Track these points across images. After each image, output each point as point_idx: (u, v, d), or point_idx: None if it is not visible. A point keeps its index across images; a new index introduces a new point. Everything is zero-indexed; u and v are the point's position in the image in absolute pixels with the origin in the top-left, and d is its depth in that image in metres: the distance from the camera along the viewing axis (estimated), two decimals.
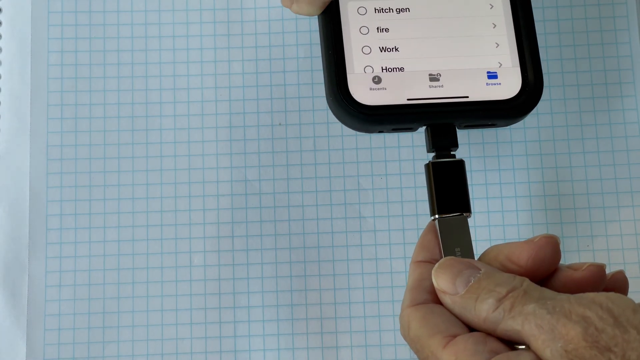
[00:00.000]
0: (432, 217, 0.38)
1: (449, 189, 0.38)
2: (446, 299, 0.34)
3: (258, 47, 0.48)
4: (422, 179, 0.46)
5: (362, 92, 0.40)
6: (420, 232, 0.45)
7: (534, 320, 0.31)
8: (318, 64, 0.47)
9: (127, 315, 0.45)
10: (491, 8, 0.41)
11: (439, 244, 0.38)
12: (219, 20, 0.48)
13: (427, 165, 0.39)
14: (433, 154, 0.40)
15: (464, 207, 0.38)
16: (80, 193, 0.46)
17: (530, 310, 0.32)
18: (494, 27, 0.41)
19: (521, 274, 0.34)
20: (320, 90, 0.47)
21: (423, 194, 0.46)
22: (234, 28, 0.48)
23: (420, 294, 0.36)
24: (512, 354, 0.32)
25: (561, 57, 0.48)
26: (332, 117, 0.47)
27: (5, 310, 0.45)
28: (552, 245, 0.35)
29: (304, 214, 0.46)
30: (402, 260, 0.46)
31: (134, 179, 0.47)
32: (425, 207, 0.46)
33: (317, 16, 0.41)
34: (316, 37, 0.48)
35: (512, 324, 0.32)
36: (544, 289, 0.33)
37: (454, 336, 0.33)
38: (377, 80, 0.40)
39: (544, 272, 0.35)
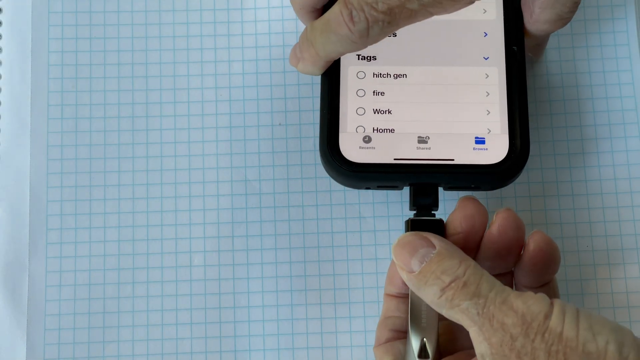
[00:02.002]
0: None
1: None
2: (403, 275, 0.38)
3: (258, 47, 0.48)
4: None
5: (352, 150, 0.41)
6: None
7: (467, 318, 0.35)
8: None
9: (127, 315, 0.45)
10: (486, 77, 0.43)
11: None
12: (219, 21, 0.48)
13: (406, 222, 0.40)
14: (414, 212, 0.41)
15: None
16: (81, 193, 0.46)
17: (464, 307, 0.35)
18: (487, 95, 0.42)
19: (466, 237, 0.39)
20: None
21: None
22: (234, 28, 0.48)
23: (383, 332, 0.41)
24: None
25: (560, 59, 0.48)
26: None
27: (5, 310, 0.45)
28: (471, 201, 0.39)
29: (304, 214, 0.46)
30: None
31: (134, 179, 0.47)
32: None
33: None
34: None
35: (453, 315, 0.36)
36: (482, 277, 0.36)
37: None
38: (367, 139, 0.42)
39: (480, 227, 0.39)
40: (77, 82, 0.48)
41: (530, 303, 0.35)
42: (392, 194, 0.46)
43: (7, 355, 0.45)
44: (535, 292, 0.39)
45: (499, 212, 0.39)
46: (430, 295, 0.36)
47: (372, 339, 0.45)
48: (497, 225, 0.39)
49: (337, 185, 0.46)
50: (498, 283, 0.36)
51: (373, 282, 0.45)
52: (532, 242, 0.39)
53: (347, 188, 0.46)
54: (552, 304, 0.35)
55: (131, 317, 0.45)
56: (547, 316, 0.34)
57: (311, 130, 0.47)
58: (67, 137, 0.47)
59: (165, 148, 0.47)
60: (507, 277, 0.41)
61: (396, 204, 0.46)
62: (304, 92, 0.47)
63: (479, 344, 0.35)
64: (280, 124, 0.47)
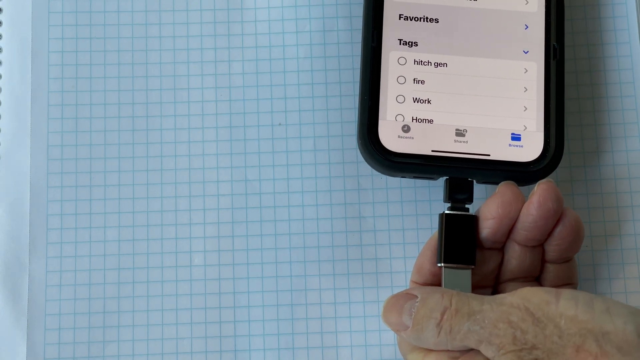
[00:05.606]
0: (439, 264, 0.40)
1: (457, 241, 0.40)
2: (402, 335, 0.38)
3: (258, 47, 0.48)
4: (421, 180, 0.46)
5: (391, 138, 0.42)
6: (420, 232, 0.46)
7: (472, 337, 0.36)
8: (318, 64, 0.48)
9: (127, 314, 0.45)
10: (525, 72, 0.43)
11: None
12: (219, 21, 0.48)
13: (440, 215, 0.41)
14: (448, 205, 0.41)
15: (469, 260, 0.40)
16: (81, 193, 0.46)
17: (465, 330, 0.36)
18: (525, 91, 0.42)
19: (500, 222, 0.39)
20: (320, 90, 0.47)
21: (423, 194, 0.46)
22: (234, 28, 0.48)
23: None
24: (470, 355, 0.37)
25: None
26: (332, 117, 0.47)
27: (5, 310, 0.45)
28: (511, 188, 0.40)
29: (304, 214, 0.46)
30: (401, 260, 0.46)
31: (134, 179, 0.47)
32: (424, 207, 0.46)
33: (360, 56, 0.43)
34: (317, 38, 0.48)
35: (459, 344, 0.36)
36: (469, 298, 0.37)
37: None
38: (406, 129, 0.42)
39: (515, 212, 0.39)
40: (77, 82, 0.48)
41: (528, 295, 0.35)
42: (393, 193, 0.46)
43: (7, 355, 0.45)
44: (558, 269, 0.41)
45: (540, 183, 0.39)
46: (430, 337, 0.37)
47: (372, 339, 0.45)
48: (537, 195, 0.39)
49: (337, 186, 0.46)
50: (486, 297, 0.37)
51: (373, 282, 0.45)
52: (564, 218, 0.40)
53: (347, 188, 0.46)
54: (557, 292, 0.35)
55: (131, 317, 0.45)
56: (549, 302, 0.35)
57: (311, 130, 0.47)
58: (67, 137, 0.47)
59: (165, 148, 0.47)
60: (537, 251, 0.41)
61: (396, 204, 0.46)
62: (304, 92, 0.47)
63: (494, 354, 0.35)
64: (280, 124, 0.47)
